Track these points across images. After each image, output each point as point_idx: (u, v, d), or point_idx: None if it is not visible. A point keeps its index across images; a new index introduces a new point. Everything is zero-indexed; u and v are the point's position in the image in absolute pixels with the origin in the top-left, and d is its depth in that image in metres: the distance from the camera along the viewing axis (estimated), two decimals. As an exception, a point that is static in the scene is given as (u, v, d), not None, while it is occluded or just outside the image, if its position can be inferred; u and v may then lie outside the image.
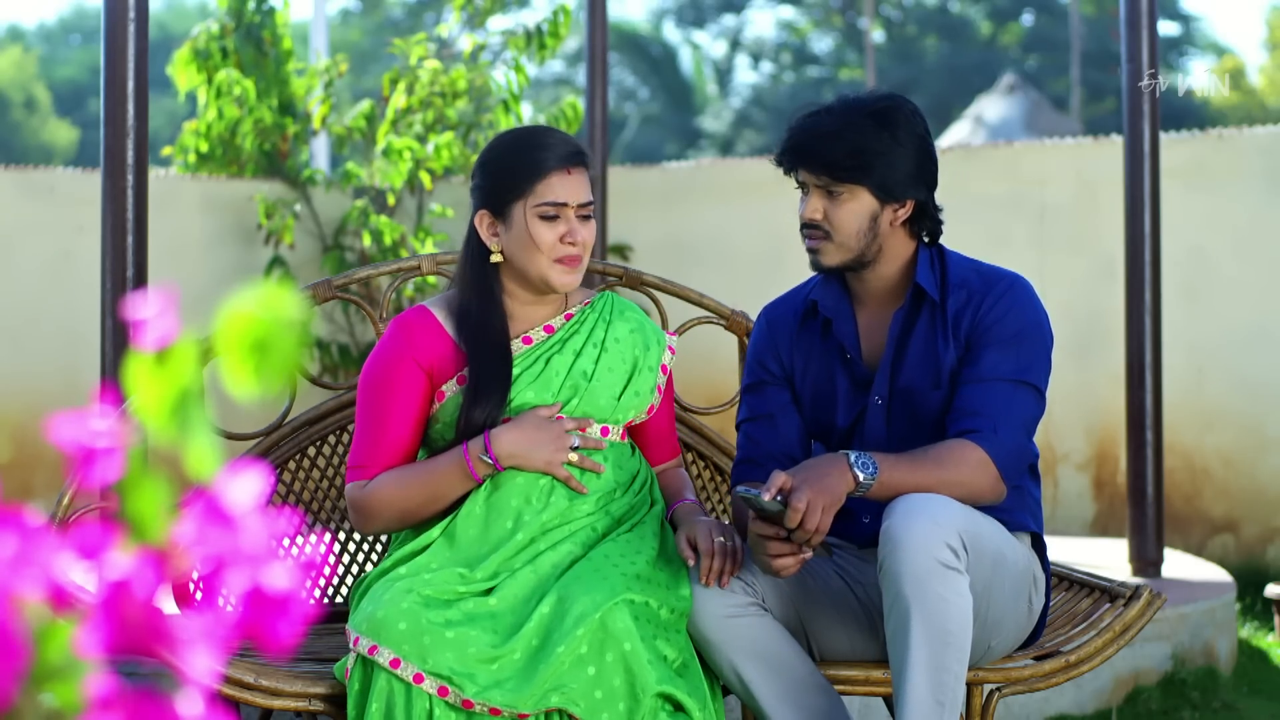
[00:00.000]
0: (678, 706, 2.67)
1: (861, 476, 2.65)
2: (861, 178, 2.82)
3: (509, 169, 2.87)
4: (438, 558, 2.79)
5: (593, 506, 2.84)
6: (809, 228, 2.86)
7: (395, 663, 2.60)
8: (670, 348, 3.01)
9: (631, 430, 2.99)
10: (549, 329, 2.93)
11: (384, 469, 2.86)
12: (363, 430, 2.90)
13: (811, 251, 2.87)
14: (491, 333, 2.88)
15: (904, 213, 2.86)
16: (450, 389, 2.88)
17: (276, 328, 0.85)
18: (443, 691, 2.58)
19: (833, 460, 2.67)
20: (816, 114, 2.88)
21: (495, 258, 2.89)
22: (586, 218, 2.88)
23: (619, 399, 2.91)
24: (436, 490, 2.83)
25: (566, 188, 2.85)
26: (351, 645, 2.65)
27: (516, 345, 2.91)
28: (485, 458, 2.80)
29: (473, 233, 2.92)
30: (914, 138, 2.85)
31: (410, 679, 2.59)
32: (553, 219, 2.85)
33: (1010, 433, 2.78)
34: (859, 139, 2.81)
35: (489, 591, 2.74)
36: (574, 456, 2.83)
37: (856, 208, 2.83)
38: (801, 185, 2.89)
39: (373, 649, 2.61)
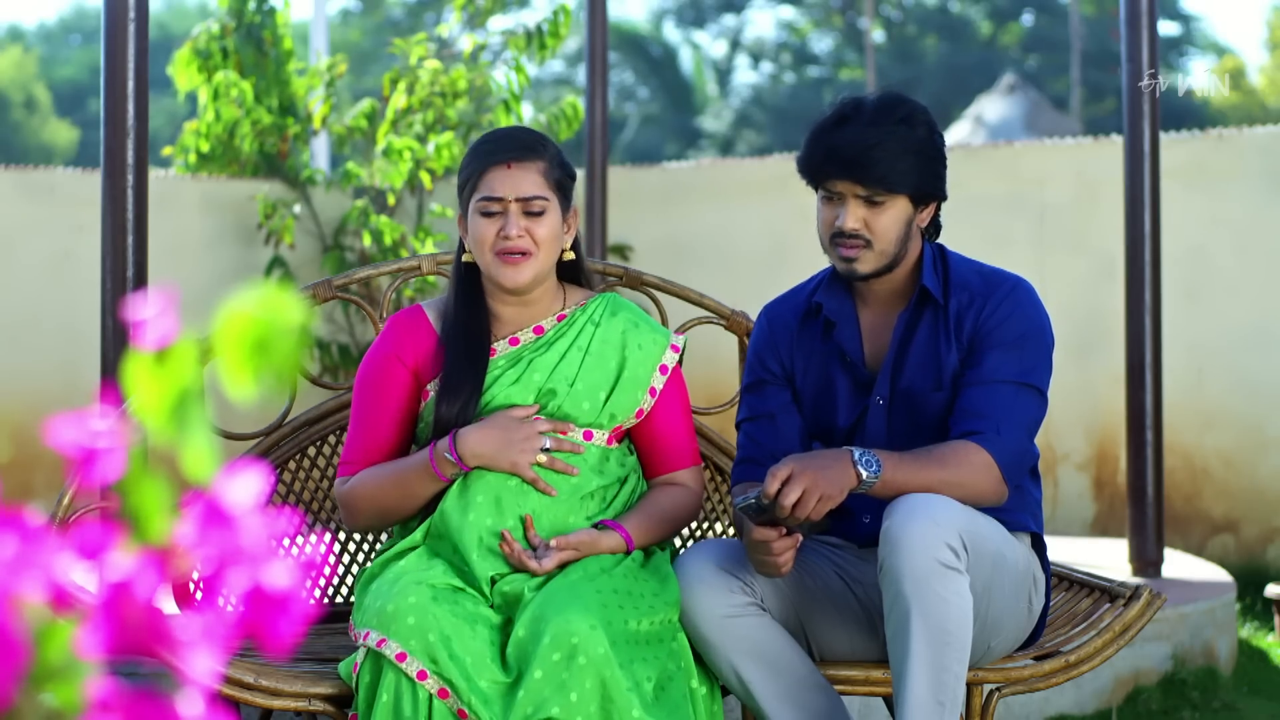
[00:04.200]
0: None
1: (865, 474, 2.65)
2: (905, 187, 2.81)
3: (463, 169, 2.90)
4: (427, 554, 2.80)
5: (567, 511, 2.83)
6: (848, 237, 2.82)
7: (401, 656, 2.60)
8: (674, 346, 2.96)
9: (633, 435, 2.97)
10: (538, 330, 2.93)
11: (368, 466, 2.88)
12: (352, 428, 2.94)
13: (848, 260, 2.83)
14: (467, 331, 2.88)
15: (928, 214, 2.88)
16: (434, 388, 2.89)
17: (276, 329, 0.85)
18: (443, 694, 2.59)
19: (837, 455, 2.67)
20: (852, 124, 2.82)
21: (466, 256, 2.91)
22: (536, 213, 2.84)
23: (604, 403, 2.89)
24: (407, 489, 2.84)
25: (503, 182, 2.83)
26: (361, 640, 2.65)
27: (503, 346, 2.90)
28: (449, 456, 2.79)
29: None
30: (939, 139, 2.87)
31: (414, 675, 2.59)
32: (492, 215, 2.84)
33: (1013, 435, 2.78)
34: (906, 149, 2.80)
35: (490, 604, 2.75)
36: (543, 458, 2.82)
37: (897, 215, 2.83)
38: (831, 195, 2.84)
39: (381, 642, 2.62)
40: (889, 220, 2.82)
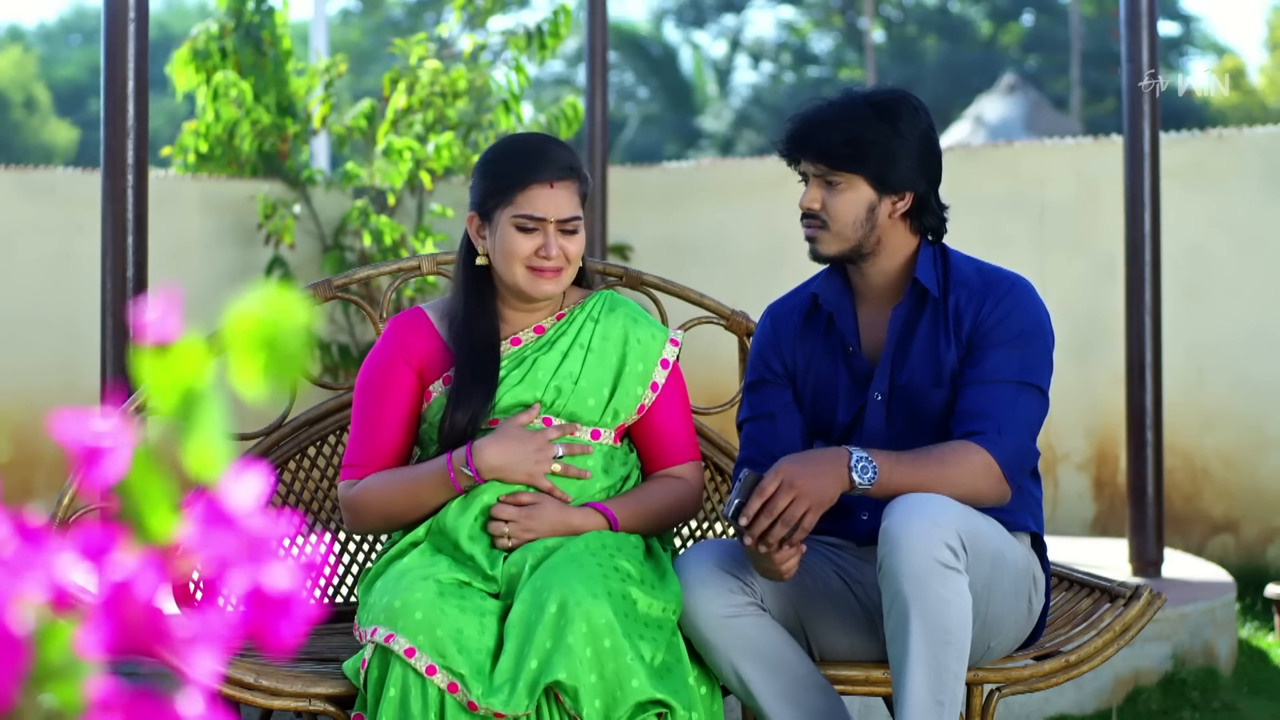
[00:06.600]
0: (658, 703, 2.65)
1: (859, 481, 2.65)
2: (858, 167, 2.83)
3: (496, 175, 2.88)
4: (430, 551, 2.80)
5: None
6: (807, 217, 2.88)
7: (410, 652, 2.61)
8: (673, 340, 2.98)
9: (632, 431, 2.98)
10: (539, 329, 2.93)
11: (374, 470, 2.89)
12: (355, 430, 2.93)
13: (810, 240, 2.89)
14: (478, 334, 2.88)
15: (903, 205, 2.87)
16: (437, 389, 2.90)
17: (285, 329, 0.85)
18: (452, 688, 2.59)
19: (833, 460, 2.66)
20: (819, 104, 2.90)
21: (480, 260, 2.90)
22: (571, 232, 2.86)
23: (608, 401, 2.90)
24: (419, 498, 2.85)
25: (547, 202, 2.84)
26: (369, 636, 2.66)
27: (505, 346, 2.91)
28: (466, 470, 2.80)
29: (466, 233, 2.94)
30: (915, 130, 2.86)
31: (423, 670, 2.59)
32: (530, 230, 2.84)
33: (1015, 435, 2.78)
34: (856, 128, 2.83)
35: (495, 594, 2.76)
36: (557, 467, 2.83)
37: (854, 198, 2.84)
38: (803, 175, 2.90)
39: (389, 637, 2.63)
40: (844, 203, 2.84)
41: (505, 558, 2.79)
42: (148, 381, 0.86)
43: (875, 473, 2.66)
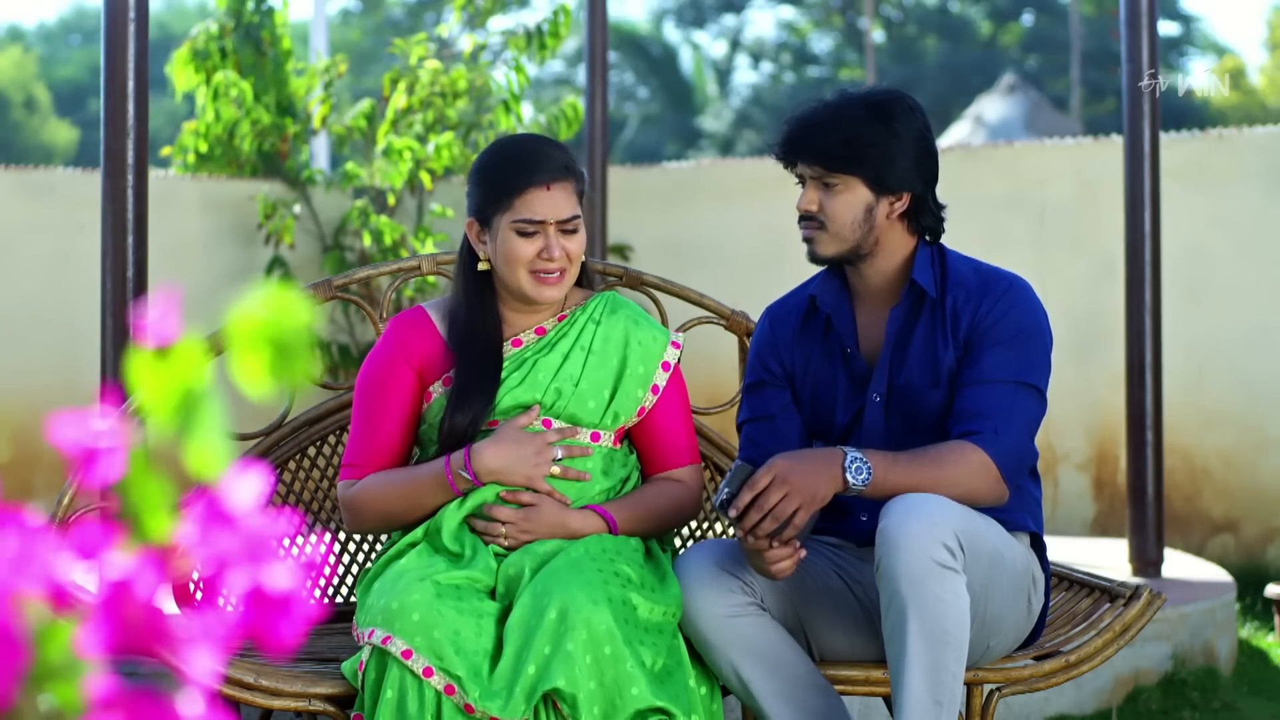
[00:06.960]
0: (658, 710, 2.65)
1: (853, 481, 2.65)
2: (855, 168, 2.83)
3: (492, 182, 2.87)
4: (427, 552, 2.80)
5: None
6: (805, 218, 2.88)
7: (407, 653, 2.61)
8: (674, 343, 2.97)
9: (633, 433, 2.98)
10: (540, 331, 2.93)
11: (374, 470, 2.89)
12: (355, 429, 2.93)
13: (807, 241, 2.89)
14: (479, 337, 2.88)
15: (900, 205, 2.87)
16: (437, 390, 2.89)
17: (291, 329, 0.85)
18: (449, 690, 2.59)
19: (828, 460, 2.66)
20: (814, 106, 2.90)
21: (482, 265, 2.90)
22: (571, 231, 2.86)
23: (609, 403, 2.90)
24: (417, 499, 2.85)
25: (545, 205, 2.83)
26: (366, 637, 2.66)
27: (506, 348, 2.91)
28: (464, 473, 2.80)
29: (466, 236, 2.94)
30: (911, 130, 2.85)
31: (420, 672, 2.59)
32: (530, 235, 2.83)
33: (1012, 434, 2.77)
34: (852, 129, 2.83)
35: (491, 593, 2.75)
36: (556, 470, 2.83)
37: (851, 199, 2.85)
38: (800, 178, 2.90)
39: (386, 639, 2.62)
40: (841, 204, 2.84)
41: (497, 554, 2.79)
42: (141, 386, 0.86)
43: (870, 473, 2.66)
